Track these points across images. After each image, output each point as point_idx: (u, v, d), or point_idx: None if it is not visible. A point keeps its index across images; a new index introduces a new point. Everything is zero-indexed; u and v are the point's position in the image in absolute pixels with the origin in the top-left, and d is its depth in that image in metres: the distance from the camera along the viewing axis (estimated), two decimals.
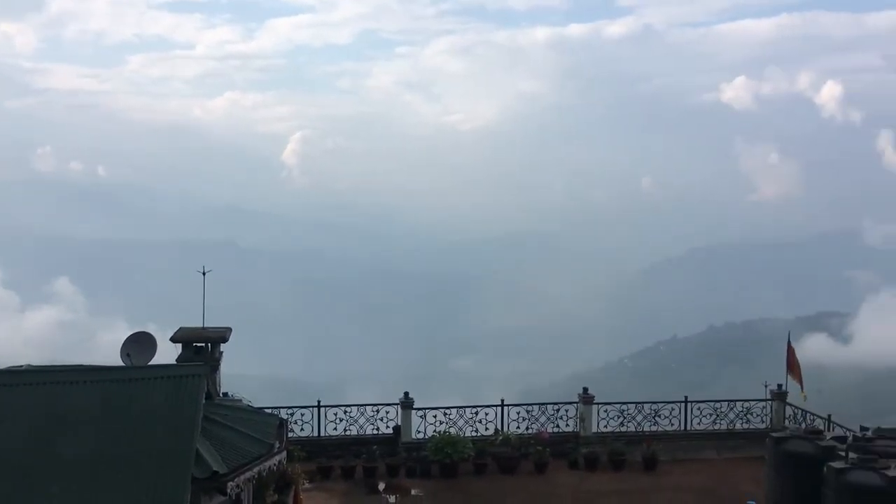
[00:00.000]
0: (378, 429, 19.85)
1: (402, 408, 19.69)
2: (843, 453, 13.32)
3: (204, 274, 15.57)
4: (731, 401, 20.85)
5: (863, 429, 15.22)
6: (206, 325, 15.02)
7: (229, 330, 15.18)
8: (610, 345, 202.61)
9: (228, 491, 10.97)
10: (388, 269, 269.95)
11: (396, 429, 19.69)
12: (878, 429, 15.15)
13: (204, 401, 11.16)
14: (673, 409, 20.53)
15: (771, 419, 20.59)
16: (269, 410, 16.52)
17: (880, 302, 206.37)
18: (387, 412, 19.87)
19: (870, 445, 13.91)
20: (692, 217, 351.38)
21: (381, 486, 18.09)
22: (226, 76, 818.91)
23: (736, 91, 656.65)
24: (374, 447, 18.85)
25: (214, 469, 10.62)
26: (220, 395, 14.47)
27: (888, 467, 12.62)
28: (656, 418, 20.47)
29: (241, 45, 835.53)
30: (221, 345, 14.94)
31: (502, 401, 20.41)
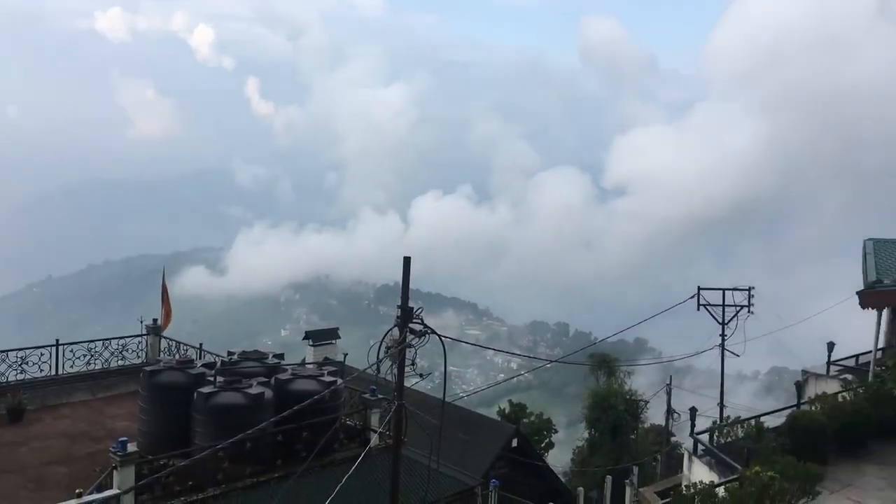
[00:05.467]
0: None
1: None
2: (211, 378, 14.16)
3: None
4: (107, 339, 20.37)
5: (230, 353, 16.40)
6: None
7: None
8: None
9: None
10: None
11: None
12: (243, 352, 16.52)
13: None
14: (43, 354, 19.13)
15: (147, 353, 20.78)
16: None
17: (252, 235, 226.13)
18: None
19: (236, 368, 15.09)
20: (67, 151, 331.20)
21: None
22: None
23: (111, 21, 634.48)
24: None
25: None
26: None
27: (250, 386, 13.87)
28: (24, 366, 18.81)
29: None
30: None
31: None
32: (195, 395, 13.56)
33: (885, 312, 19.53)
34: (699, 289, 29.84)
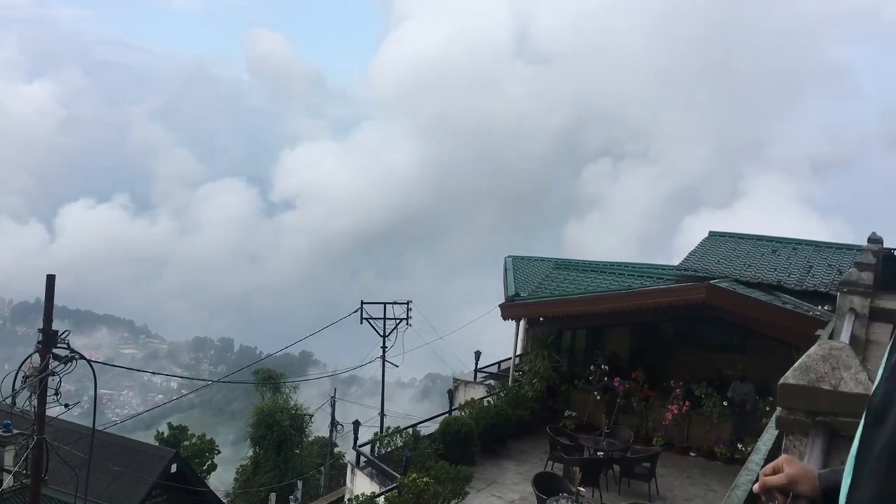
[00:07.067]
0: None
1: None
2: None
3: None
4: None
5: None
6: None
7: None
8: None
9: None
10: None
11: None
12: None
13: None
14: None
15: None
16: None
17: None
18: None
19: None
20: None
21: None
22: None
23: None
24: None
25: None
26: None
27: None
28: None
29: None
30: None
31: None
32: None
33: (522, 322, 21.82)
34: (362, 303, 30.97)
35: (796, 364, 2.86)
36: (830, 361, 2.81)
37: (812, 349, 2.89)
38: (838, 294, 8.09)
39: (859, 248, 13.53)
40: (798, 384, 2.82)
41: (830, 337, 7.47)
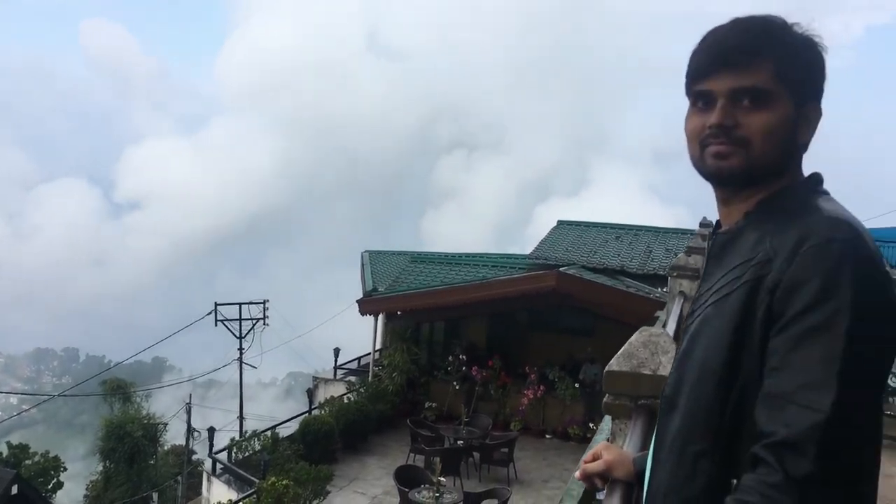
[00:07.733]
0: None
1: None
2: None
3: None
4: None
5: None
6: None
7: None
8: None
9: None
10: None
11: None
12: None
13: None
14: None
15: None
16: None
17: None
18: None
19: None
20: None
21: None
22: None
23: None
24: None
25: None
26: None
27: None
28: None
29: None
30: None
31: None
32: None
33: (380, 317, 21.79)
34: (216, 304, 30.01)
35: (620, 351, 2.99)
36: (650, 347, 2.96)
37: (633, 336, 3.04)
38: (669, 278, 8.58)
39: (693, 233, 14.40)
40: (622, 370, 2.95)
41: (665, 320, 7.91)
